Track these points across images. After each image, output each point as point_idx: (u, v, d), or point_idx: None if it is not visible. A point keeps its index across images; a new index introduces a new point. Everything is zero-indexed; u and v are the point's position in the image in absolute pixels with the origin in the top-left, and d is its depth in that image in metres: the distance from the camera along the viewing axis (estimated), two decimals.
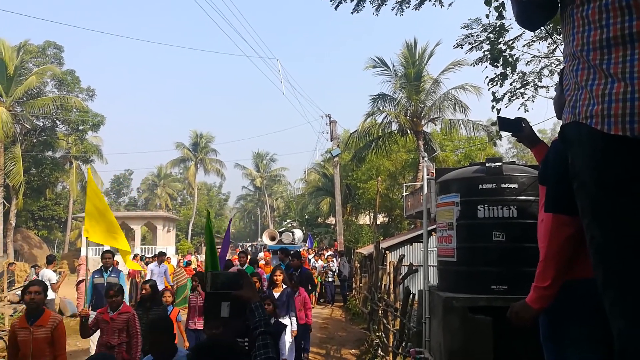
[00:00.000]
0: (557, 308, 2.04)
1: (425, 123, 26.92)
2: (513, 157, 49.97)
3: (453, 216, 4.99)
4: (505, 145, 53.14)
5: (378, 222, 37.39)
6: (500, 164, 4.87)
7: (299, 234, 19.13)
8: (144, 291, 6.57)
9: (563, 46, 2.00)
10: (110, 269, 8.26)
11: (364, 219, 40.98)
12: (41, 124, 33.43)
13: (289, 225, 34.64)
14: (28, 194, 32.59)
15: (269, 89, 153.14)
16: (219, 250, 7.94)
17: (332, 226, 40.87)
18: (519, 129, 2.84)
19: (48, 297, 10.72)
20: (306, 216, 42.46)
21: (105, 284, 7.53)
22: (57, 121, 33.74)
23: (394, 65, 26.54)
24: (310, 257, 18.57)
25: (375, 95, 26.23)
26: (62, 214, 41.25)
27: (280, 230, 17.80)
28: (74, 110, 32.22)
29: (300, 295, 7.32)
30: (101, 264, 8.44)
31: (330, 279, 16.25)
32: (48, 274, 11.55)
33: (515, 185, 4.76)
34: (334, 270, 16.45)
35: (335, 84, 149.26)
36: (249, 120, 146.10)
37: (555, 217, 1.95)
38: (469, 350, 4.52)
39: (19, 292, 15.32)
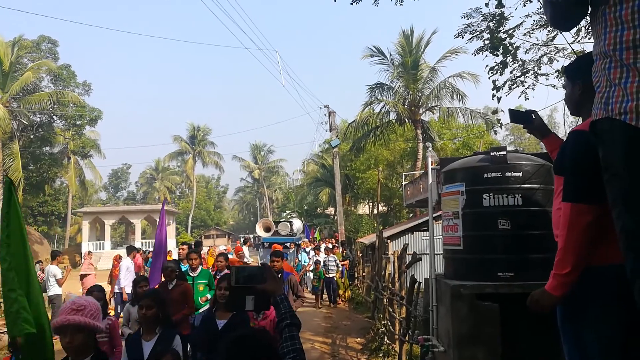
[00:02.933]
0: (576, 292, 2.11)
1: (423, 112, 26.97)
2: (510, 144, 50.13)
3: (459, 205, 5.05)
4: (503, 132, 53.23)
5: (377, 212, 37.56)
6: (504, 152, 4.92)
7: (297, 224, 16.63)
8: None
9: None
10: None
11: (363, 209, 41.12)
12: (38, 119, 33.32)
13: (288, 216, 34.72)
14: (27, 190, 32.58)
15: (266, 81, 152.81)
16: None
17: (332, 216, 41.02)
18: (529, 120, 2.90)
19: (55, 293, 10.85)
20: (305, 207, 42.58)
21: None
22: (54, 116, 33.63)
23: (391, 55, 26.54)
24: (307, 249, 16.69)
25: (373, 85, 26.24)
26: (62, 209, 41.27)
27: (276, 221, 15.60)
28: (71, 105, 32.12)
29: (266, 319, 4.44)
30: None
31: (332, 275, 13.81)
32: (53, 270, 11.60)
33: (520, 174, 4.82)
34: (337, 265, 14.12)
35: (333, 74, 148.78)
36: (247, 112, 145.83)
37: (574, 206, 2.01)
38: (476, 336, 4.61)
39: None
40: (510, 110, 2.99)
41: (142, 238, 40.06)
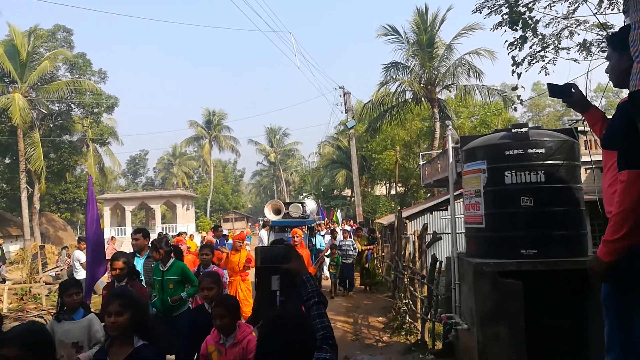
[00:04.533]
0: (623, 270, 2.11)
1: (440, 90, 26.64)
2: (529, 120, 49.27)
3: (480, 183, 5.04)
4: (520, 109, 52.36)
5: (394, 192, 37.45)
6: (526, 129, 4.88)
7: (311, 205, 14.90)
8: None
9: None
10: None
11: (380, 190, 41.06)
12: (57, 108, 33.71)
13: (305, 199, 34.77)
14: (49, 178, 33.16)
15: (280, 64, 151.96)
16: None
17: (348, 198, 41.05)
18: (569, 94, 2.86)
19: (81, 277, 11.15)
20: (322, 189, 42.67)
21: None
22: (72, 105, 34.01)
23: (405, 33, 26.17)
24: (322, 233, 15.40)
25: (388, 64, 25.94)
26: (83, 196, 41.96)
27: (288, 202, 13.80)
28: (88, 93, 32.41)
29: (236, 346, 3.32)
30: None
31: (349, 261, 12.60)
32: (78, 255, 11.91)
33: (542, 150, 4.78)
34: (354, 249, 12.81)
35: (348, 55, 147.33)
36: (262, 96, 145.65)
37: (629, 173, 2.02)
38: (500, 313, 4.63)
39: (52, 273, 15.86)
40: (549, 84, 2.95)
41: (162, 223, 40.63)
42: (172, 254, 5.82)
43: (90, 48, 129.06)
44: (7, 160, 33.10)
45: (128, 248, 21.56)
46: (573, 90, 2.84)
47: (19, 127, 27.82)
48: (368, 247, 13.23)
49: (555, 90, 2.92)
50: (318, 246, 13.20)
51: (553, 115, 52.49)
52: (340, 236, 13.91)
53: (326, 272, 13.73)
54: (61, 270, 15.46)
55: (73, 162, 35.88)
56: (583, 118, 4.82)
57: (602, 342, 2.59)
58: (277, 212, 12.53)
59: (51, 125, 33.75)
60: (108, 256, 12.32)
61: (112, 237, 14.93)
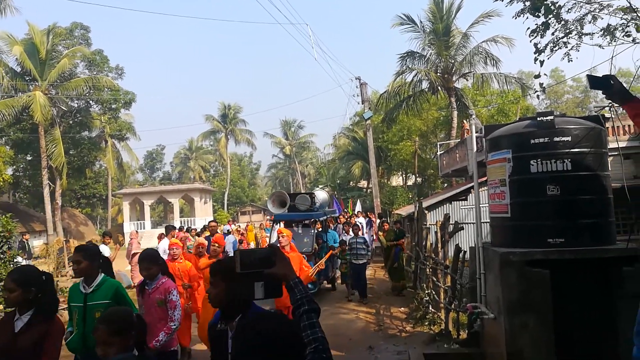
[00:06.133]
0: None
1: (457, 79, 26.39)
2: (547, 108, 48.58)
3: (505, 172, 5.01)
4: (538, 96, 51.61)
5: (410, 183, 37.30)
6: (552, 117, 4.83)
7: (321, 195, 12.86)
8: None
9: None
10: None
11: (397, 181, 40.93)
12: (76, 105, 34.27)
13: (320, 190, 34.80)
14: (70, 174, 33.76)
15: (294, 57, 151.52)
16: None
17: (364, 189, 41.01)
18: (608, 86, 2.85)
19: None
20: (338, 181, 42.71)
21: None
22: (90, 101, 34.52)
23: (421, 22, 25.96)
24: (331, 227, 13.57)
25: (404, 54, 25.77)
26: (102, 191, 42.66)
27: (294, 193, 12.15)
28: (106, 89, 32.83)
29: None
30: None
31: (361, 262, 10.56)
32: (102, 249, 12.13)
33: (569, 138, 4.72)
34: (367, 247, 11.04)
35: (364, 45, 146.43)
36: (276, 88, 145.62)
37: None
38: (527, 303, 4.62)
39: None
40: (588, 76, 2.95)
41: (181, 217, 41.08)
42: (99, 268, 3.92)
43: (106, 44, 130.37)
44: (28, 158, 33.75)
45: (147, 243, 21.91)
46: (612, 82, 2.82)
47: (40, 125, 28.33)
48: (396, 242, 11.43)
49: (595, 82, 2.91)
50: (331, 243, 11.70)
51: (572, 102, 51.69)
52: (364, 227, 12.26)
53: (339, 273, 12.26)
54: None
55: (92, 158, 36.47)
56: (610, 104, 4.76)
57: (631, 332, 2.57)
58: (282, 204, 11.09)
59: (71, 122, 34.33)
60: (136, 249, 12.33)
61: (136, 231, 15.14)
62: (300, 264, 6.84)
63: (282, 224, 10.69)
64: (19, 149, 32.07)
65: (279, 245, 6.93)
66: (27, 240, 16.78)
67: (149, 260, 4.50)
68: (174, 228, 12.21)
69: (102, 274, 3.92)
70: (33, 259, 18.44)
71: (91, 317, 3.70)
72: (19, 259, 11.42)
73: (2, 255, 11.54)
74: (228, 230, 19.14)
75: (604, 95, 2.96)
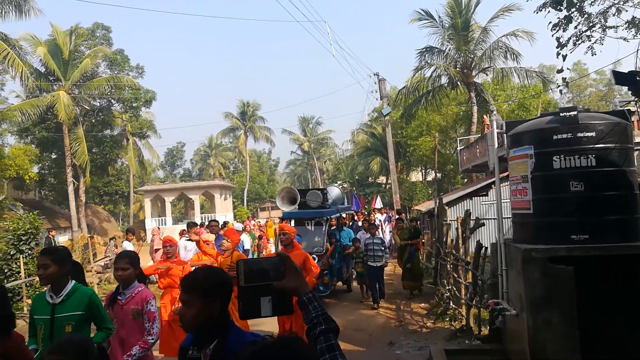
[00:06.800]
0: None
1: (476, 74, 26.10)
2: (568, 102, 47.68)
3: (527, 168, 4.99)
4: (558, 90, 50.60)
5: (429, 179, 37.06)
6: (575, 112, 4.78)
7: (334, 192, 12.09)
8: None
9: None
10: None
11: (416, 176, 40.72)
12: (98, 104, 34.89)
13: (340, 187, 34.83)
14: (93, 172, 34.43)
15: (312, 54, 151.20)
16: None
17: (383, 185, 40.90)
18: (634, 81, 2.84)
19: None
20: (356, 177, 42.67)
21: None
22: (112, 100, 35.13)
23: (439, 17, 25.71)
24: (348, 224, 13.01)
25: (422, 49, 25.55)
26: (124, 188, 43.35)
27: (305, 189, 11.25)
28: (127, 88, 33.35)
29: None
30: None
31: (378, 264, 9.70)
32: (126, 245, 12.41)
33: (593, 134, 4.68)
34: (383, 249, 10.06)
35: (382, 41, 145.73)
36: (295, 86, 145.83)
37: None
38: (550, 299, 4.60)
39: (101, 262, 16.56)
40: (614, 72, 2.95)
41: (201, 213, 41.52)
42: (69, 274, 3.47)
43: (127, 44, 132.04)
44: (53, 156, 34.49)
45: None
46: (638, 79, 2.81)
47: (64, 124, 28.91)
48: (410, 241, 10.67)
49: (620, 78, 2.90)
50: (346, 241, 11.21)
51: (595, 95, 50.59)
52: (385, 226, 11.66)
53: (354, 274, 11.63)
54: (110, 260, 16.11)
55: (115, 156, 37.11)
56: (636, 99, 4.68)
57: None
58: (292, 201, 10.35)
59: (93, 120, 34.99)
60: (158, 245, 12.38)
61: (158, 228, 15.41)
62: (304, 263, 5.89)
63: (292, 222, 9.98)
64: (44, 148, 32.79)
65: (279, 243, 6.30)
66: (53, 236, 17.20)
67: (127, 261, 3.82)
68: (196, 225, 12.20)
69: (73, 281, 3.44)
70: None
71: (60, 332, 3.22)
72: None
73: (30, 252, 11.91)
74: (241, 228, 18.60)
75: (630, 92, 2.95)
